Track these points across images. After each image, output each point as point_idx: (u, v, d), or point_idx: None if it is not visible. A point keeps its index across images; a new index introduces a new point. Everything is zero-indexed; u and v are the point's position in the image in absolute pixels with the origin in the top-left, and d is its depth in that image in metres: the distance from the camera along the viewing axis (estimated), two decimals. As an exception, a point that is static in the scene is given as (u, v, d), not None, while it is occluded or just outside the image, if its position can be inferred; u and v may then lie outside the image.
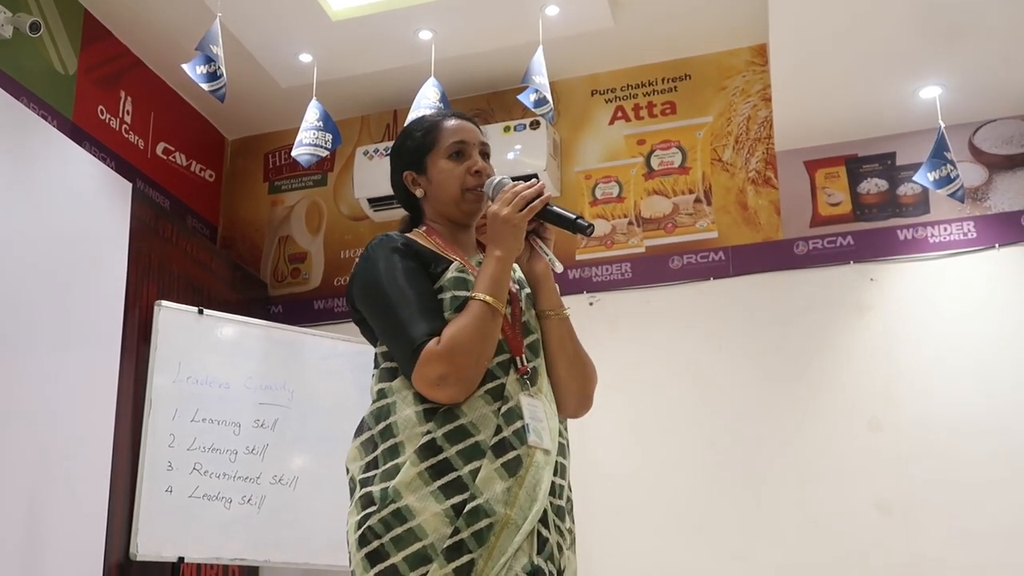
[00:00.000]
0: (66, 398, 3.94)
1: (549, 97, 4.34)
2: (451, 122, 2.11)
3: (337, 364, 4.88)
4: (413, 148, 2.10)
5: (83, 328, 4.10)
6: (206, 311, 4.62)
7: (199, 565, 4.66)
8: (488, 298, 1.88)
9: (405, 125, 2.19)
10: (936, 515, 4.32)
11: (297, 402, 4.73)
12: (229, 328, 4.71)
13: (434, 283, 1.93)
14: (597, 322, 4.95)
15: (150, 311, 4.49)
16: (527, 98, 4.32)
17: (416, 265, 1.93)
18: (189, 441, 4.39)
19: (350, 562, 1.84)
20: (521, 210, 1.94)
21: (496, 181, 2.05)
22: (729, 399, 4.71)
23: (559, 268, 2.02)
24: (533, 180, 2.02)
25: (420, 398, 1.86)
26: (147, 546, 4.19)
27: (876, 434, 4.50)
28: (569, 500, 1.97)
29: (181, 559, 4.29)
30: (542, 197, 1.97)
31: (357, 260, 2.00)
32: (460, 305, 1.89)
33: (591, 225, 1.98)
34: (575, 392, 2.04)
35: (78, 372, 4.03)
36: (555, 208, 2.00)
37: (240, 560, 4.51)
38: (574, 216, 1.98)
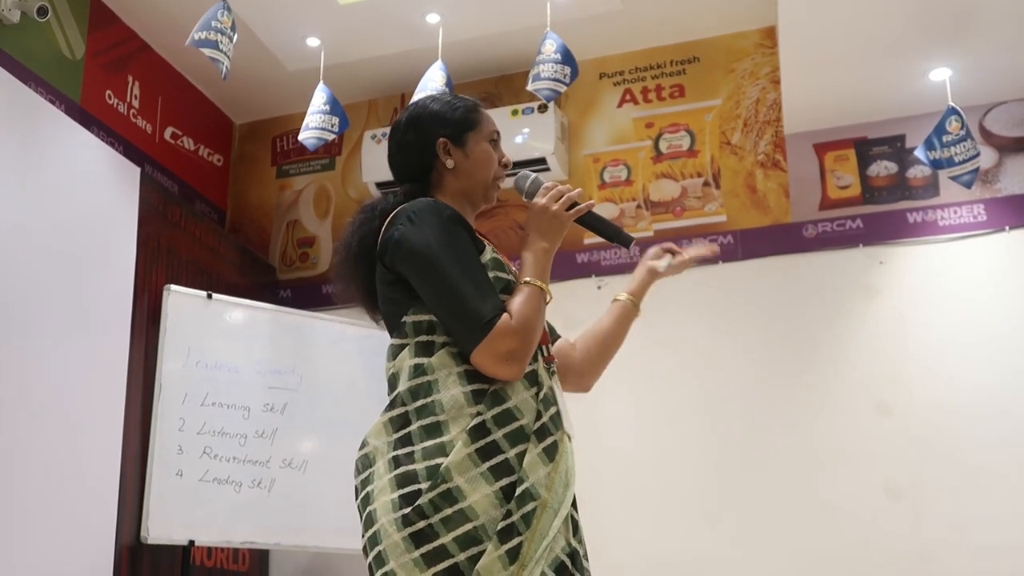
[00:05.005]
0: (76, 383, 3.95)
1: (554, 76, 4.30)
2: (485, 112, 2.15)
3: (346, 348, 4.89)
4: (459, 120, 2.09)
5: (92, 313, 4.11)
6: (215, 295, 4.63)
7: (209, 548, 4.68)
8: (542, 284, 1.93)
9: (435, 95, 2.18)
10: (946, 499, 4.32)
11: (306, 386, 4.74)
12: (238, 312, 4.71)
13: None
14: (605, 306, 4.92)
15: (159, 296, 4.50)
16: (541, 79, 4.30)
17: (468, 238, 1.94)
18: (199, 425, 4.41)
19: (377, 541, 1.79)
20: (568, 209, 2.01)
21: (532, 177, 2.10)
22: (738, 382, 4.71)
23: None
24: (569, 186, 2.07)
25: (467, 378, 1.85)
26: (158, 529, 4.21)
27: (885, 418, 4.50)
28: None
29: (191, 542, 4.31)
30: (589, 202, 2.03)
31: (399, 220, 1.94)
32: (504, 287, 1.92)
33: (632, 238, 2.05)
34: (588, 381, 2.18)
35: (88, 357, 4.04)
36: (599, 215, 2.06)
37: (250, 543, 4.53)
38: (616, 228, 2.05)
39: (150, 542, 4.19)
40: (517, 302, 1.88)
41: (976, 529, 4.24)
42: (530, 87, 4.28)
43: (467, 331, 1.84)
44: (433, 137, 2.07)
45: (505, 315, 1.84)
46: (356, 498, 1.90)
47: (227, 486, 4.42)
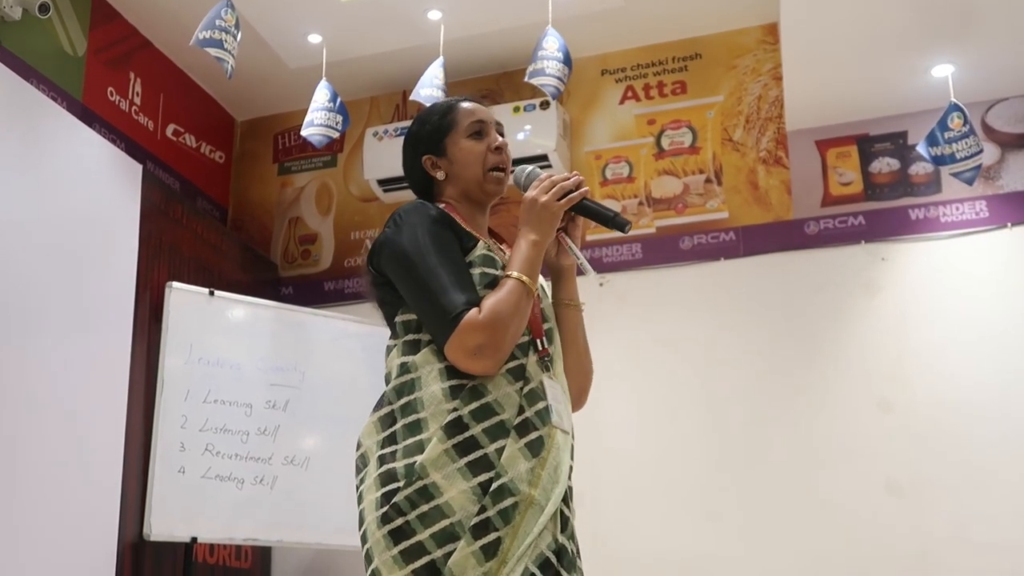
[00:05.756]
0: (78, 380, 3.96)
1: (555, 73, 4.30)
2: (466, 104, 2.12)
3: (348, 345, 4.89)
4: (431, 131, 2.10)
5: (94, 310, 4.11)
6: (217, 292, 4.63)
7: (212, 545, 4.69)
8: (524, 278, 1.89)
9: (418, 114, 2.19)
10: (946, 497, 4.32)
11: (308, 383, 4.74)
12: (240, 309, 4.72)
13: (464, 256, 1.94)
14: (607, 303, 4.94)
15: (161, 293, 4.50)
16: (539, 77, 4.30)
17: (452, 236, 1.94)
18: (201, 422, 4.41)
19: (365, 539, 1.81)
20: (560, 199, 1.97)
21: (529, 170, 2.09)
22: (739, 379, 4.71)
23: (589, 271, 2.04)
24: (575, 173, 2.04)
25: (447, 374, 1.85)
26: (160, 527, 4.22)
27: (887, 415, 4.50)
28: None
29: (194, 539, 4.31)
30: (581, 190, 1.99)
31: (387, 224, 1.97)
32: (490, 282, 1.90)
33: (628, 222, 1.99)
34: (576, 385, 2.08)
35: (90, 354, 4.04)
36: (592, 202, 2.02)
37: (252, 540, 4.53)
38: (611, 212, 1.99)
39: (152, 539, 4.20)
40: (492, 296, 1.86)
41: (977, 527, 4.24)
42: (534, 81, 4.27)
43: (438, 326, 1.85)
44: (417, 158, 2.11)
45: (474, 310, 1.83)
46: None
47: (229, 483, 4.43)
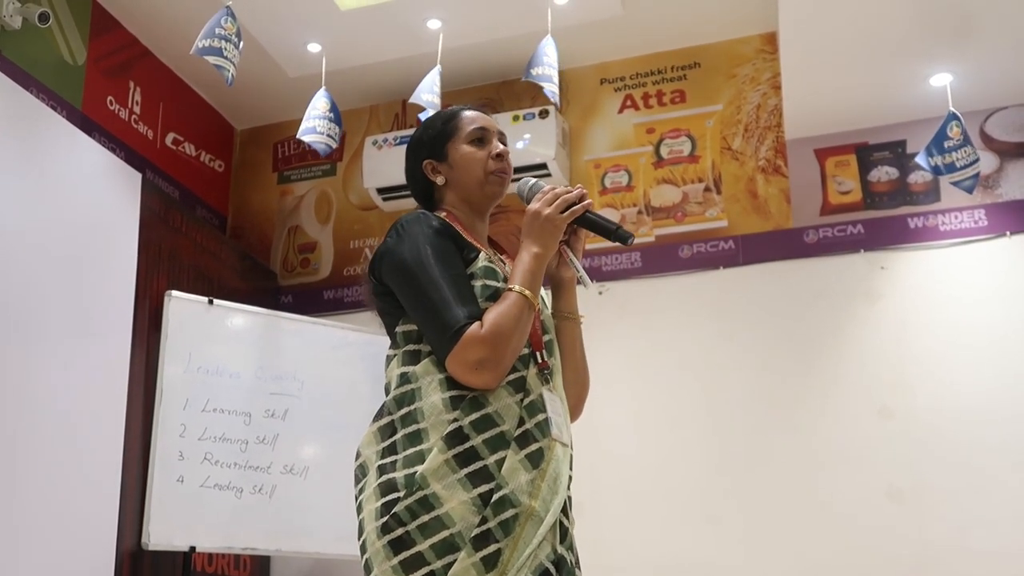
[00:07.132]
0: (77, 388, 3.95)
1: (556, 82, 4.32)
2: (469, 112, 2.13)
3: (347, 354, 4.88)
4: (433, 137, 2.11)
5: (94, 318, 4.11)
6: (216, 301, 4.63)
7: (210, 555, 4.68)
8: (527, 291, 1.89)
9: (423, 120, 2.19)
10: (947, 503, 4.32)
11: (307, 392, 4.74)
12: (239, 318, 4.71)
13: (465, 268, 1.94)
14: (607, 312, 4.94)
15: (160, 301, 4.50)
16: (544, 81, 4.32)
17: (453, 247, 1.94)
18: (200, 431, 4.40)
19: (364, 549, 1.81)
20: (563, 212, 1.97)
21: (532, 182, 2.09)
22: (739, 388, 4.71)
23: (588, 284, 2.05)
24: (579, 186, 2.04)
25: (448, 384, 1.85)
26: (159, 535, 4.21)
27: (887, 422, 4.50)
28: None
29: (192, 548, 4.30)
30: (584, 203, 1.99)
31: (388, 234, 1.97)
32: (492, 294, 1.90)
33: (631, 235, 2.00)
34: (573, 396, 2.08)
35: (89, 362, 4.04)
36: (595, 215, 2.02)
37: (251, 550, 4.52)
38: (614, 225, 2.00)
39: (151, 548, 4.19)
40: (493, 310, 1.86)
41: (977, 533, 4.24)
42: (541, 83, 4.28)
43: (439, 340, 1.85)
44: (419, 163, 2.12)
45: (476, 324, 1.83)
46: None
47: (228, 492, 4.42)
